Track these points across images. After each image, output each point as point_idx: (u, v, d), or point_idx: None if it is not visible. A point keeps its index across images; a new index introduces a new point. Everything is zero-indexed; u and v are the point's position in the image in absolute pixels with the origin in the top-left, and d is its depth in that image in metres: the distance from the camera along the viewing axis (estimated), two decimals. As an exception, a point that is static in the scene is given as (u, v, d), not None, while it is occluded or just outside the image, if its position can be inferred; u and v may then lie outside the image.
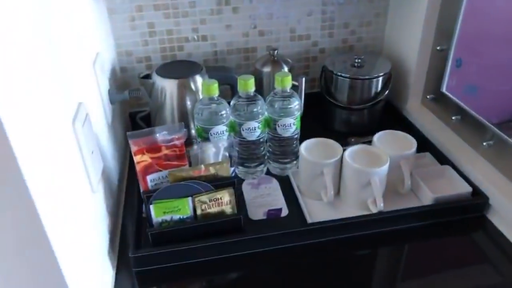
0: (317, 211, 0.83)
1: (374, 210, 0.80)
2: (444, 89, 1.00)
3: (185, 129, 0.76)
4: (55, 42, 0.57)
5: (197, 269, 0.73)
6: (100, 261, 0.68)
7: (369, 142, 0.91)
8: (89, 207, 0.65)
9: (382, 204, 0.79)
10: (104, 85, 0.85)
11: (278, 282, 0.72)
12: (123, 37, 1.04)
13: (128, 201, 0.85)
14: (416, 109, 1.09)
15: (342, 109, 1.07)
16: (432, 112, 1.05)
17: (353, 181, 0.82)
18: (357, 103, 1.05)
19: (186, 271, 0.73)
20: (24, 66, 0.45)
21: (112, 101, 0.87)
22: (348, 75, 1.02)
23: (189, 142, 0.92)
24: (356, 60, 1.05)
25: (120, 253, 0.76)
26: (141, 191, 0.76)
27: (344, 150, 0.84)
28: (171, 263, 0.73)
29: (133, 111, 1.10)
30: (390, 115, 1.12)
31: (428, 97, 1.06)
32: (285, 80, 0.84)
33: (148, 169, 0.74)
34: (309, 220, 0.80)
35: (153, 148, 0.73)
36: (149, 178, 0.75)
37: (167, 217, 0.74)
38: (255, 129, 0.86)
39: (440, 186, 0.85)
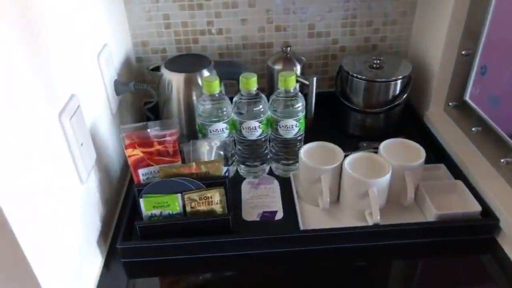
0: (312, 217, 0.80)
1: (370, 222, 0.76)
2: (467, 97, 0.93)
3: (177, 126, 0.75)
4: (41, 36, 0.58)
5: (183, 265, 0.74)
6: (87, 249, 0.70)
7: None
8: (77, 197, 0.66)
9: (378, 217, 0.74)
10: (110, 76, 0.86)
11: (261, 286, 0.71)
12: (138, 27, 1.05)
13: (128, 192, 0.86)
14: (437, 116, 1.02)
15: (356, 112, 1.02)
16: (454, 120, 0.98)
17: (351, 190, 0.78)
18: (372, 106, 1.00)
19: (172, 266, 0.74)
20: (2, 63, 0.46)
21: (117, 93, 0.88)
22: (364, 77, 0.97)
23: (194, 136, 0.92)
24: (375, 61, 0.99)
25: (113, 243, 0.78)
26: (134, 184, 0.77)
27: (346, 156, 0.80)
28: (158, 257, 0.74)
29: (148, 101, 1.12)
30: (409, 121, 1.06)
31: (450, 104, 0.99)
32: (288, 80, 0.81)
33: (139, 163, 0.74)
34: (302, 226, 0.77)
35: (145, 142, 0.73)
36: (140, 172, 0.75)
37: (157, 211, 0.74)
38: (255, 129, 0.84)
39: (447, 202, 0.79)
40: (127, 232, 0.75)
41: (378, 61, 0.99)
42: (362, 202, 0.77)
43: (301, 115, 0.85)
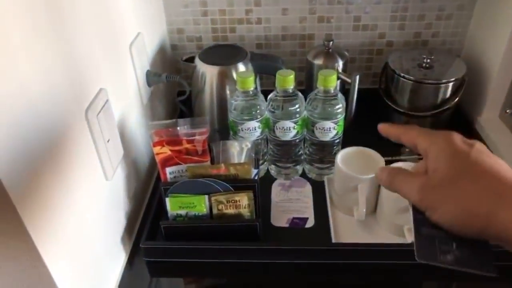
0: (346, 228, 0.75)
1: (409, 240, 0.70)
2: (527, 105, 0.84)
3: (208, 125, 0.72)
4: (69, 26, 0.55)
5: (207, 268, 0.71)
6: (111, 246, 0.68)
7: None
8: (101, 194, 0.64)
9: (420, 234, 0.68)
10: (142, 66, 0.83)
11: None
12: (175, 14, 1.01)
13: (155, 188, 0.84)
14: (491, 123, 0.93)
15: (400, 114, 0.95)
16: (510, 129, 0.89)
17: (390, 203, 0.72)
18: (419, 109, 0.93)
19: (196, 268, 0.71)
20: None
21: (149, 84, 0.85)
22: (411, 77, 0.89)
23: (226, 131, 0.88)
24: (425, 60, 0.91)
25: (137, 241, 0.76)
26: (160, 182, 0.74)
27: (388, 164, 0.74)
28: (182, 258, 0.72)
29: (182, 90, 1.09)
30: (458, 126, 0.97)
31: (508, 111, 0.89)
32: (329, 80, 0.75)
33: (167, 161, 0.71)
34: (334, 238, 0.72)
35: (174, 141, 0.70)
36: (168, 170, 0.72)
37: (182, 212, 0.71)
38: (289, 129, 0.79)
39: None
40: (151, 231, 0.73)
41: (428, 60, 0.91)
42: (402, 216, 0.71)
43: (341, 117, 0.79)
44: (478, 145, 0.36)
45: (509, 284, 0.67)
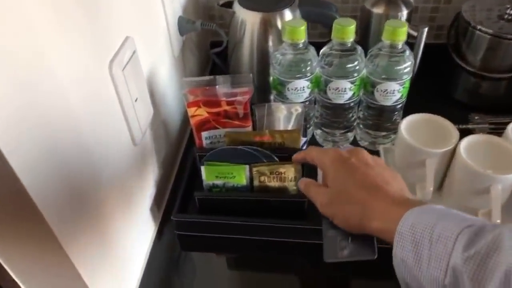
0: (405, 208, 0.65)
1: (484, 227, 0.60)
2: None
3: (251, 84, 0.60)
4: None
5: (245, 245, 0.63)
6: (139, 216, 0.60)
7: (500, 127, 0.67)
8: (127, 159, 0.55)
9: (498, 221, 0.58)
10: (174, 12, 0.71)
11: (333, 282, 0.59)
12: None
13: (186, 153, 0.75)
14: None
15: (470, 75, 0.81)
16: None
17: (464, 183, 0.61)
18: (494, 69, 0.79)
19: (233, 245, 0.63)
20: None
21: (181, 33, 0.73)
22: (490, 31, 0.75)
23: (266, 91, 0.77)
24: (509, 11, 0.76)
25: (167, 211, 0.68)
26: (195, 147, 0.64)
27: (461, 136, 0.62)
28: (217, 233, 0.63)
29: (216, 41, 0.97)
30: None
31: None
32: (398, 33, 0.62)
33: (203, 125, 0.62)
34: (392, 220, 0.62)
35: (211, 101, 0.60)
36: (204, 135, 0.63)
37: (219, 182, 0.62)
38: (345, 90, 0.67)
39: None
40: (183, 202, 0.64)
41: (511, 11, 0.76)
42: (478, 199, 0.60)
43: (407, 78, 0.66)
44: (359, 155, 0.47)
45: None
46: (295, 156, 0.54)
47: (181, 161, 0.76)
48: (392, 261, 0.38)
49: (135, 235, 0.59)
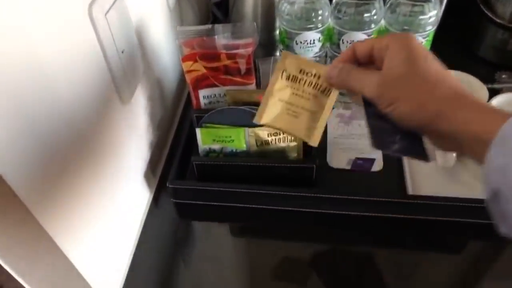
0: (424, 176, 0.59)
1: None
2: None
3: (255, 34, 0.53)
4: None
5: (245, 215, 0.58)
6: (133, 183, 0.55)
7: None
8: (115, 120, 0.49)
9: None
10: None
11: (343, 254, 0.54)
12: None
13: (184, 115, 0.69)
14: None
15: (499, 27, 0.73)
16: None
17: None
18: (527, 22, 0.70)
19: (234, 214, 0.58)
20: None
21: (176, -22, 0.65)
22: (526, -24, 0.66)
23: (272, 47, 0.69)
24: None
25: (163, 176, 0.63)
26: (192, 108, 0.58)
27: (491, 95, 0.55)
28: (216, 202, 0.58)
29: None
30: None
31: None
32: (423, -26, 0.54)
33: (200, 82, 0.55)
34: (410, 190, 0.57)
35: (210, 54, 0.53)
36: (201, 93, 0.56)
37: (217, 146, 0.57)
38: (360, 44, 0.60)
39: None
40: (180, 168, 0.59)
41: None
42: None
43: (430, 29, 0.58)
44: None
45: None
46: (332, 65, 0.40)
47: (178, 124, 0.70)
48: (484, 168, 0.32)
49: (128, 203, 0.54)
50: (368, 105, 0.38)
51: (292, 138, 0.55)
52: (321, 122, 0.42)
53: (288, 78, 0.42)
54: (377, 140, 0.38)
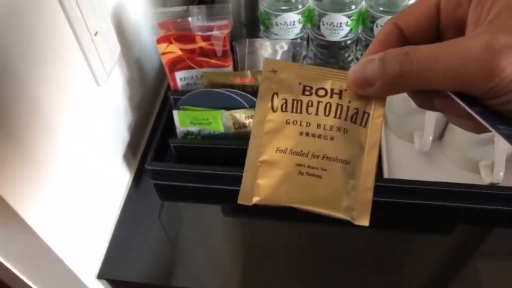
0: (403, 159, 0.60)
1: (486, 180, 0.54)
2: None
3: (230, 15, 0.53)
4: None
5: (224, 196, 0.58)
6: (110, 165, 0.56)
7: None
8: (93, 104, 0.50)
9: (502, 173, 0.52)
10: None
11: (312, 233, 0.55)
12: None
13: (166, 98, 0.69)
14: None
15: None
16: None
17: (467, 132, 0.55)
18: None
19: (213, 196, 0.59)
20: None
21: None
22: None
23: (255, 27, 0.69)
24: None
25: (144, 159, 0.64)
26: (169, 89, 0.58)
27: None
28: (195, 183, 0.59)
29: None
30: None
31: None
32: (403, -45, 0.53)
33: (176, 64, 0.55)
34: (386, 173, 0.57)
35: (184, 36, 0.53)
36: (178, 75, 0.56)
37: (194, 129, 0.57)
38: (340, 26, 0.59)
39: None
40: (160, 150, 0.60)
41: None
42: (481, 150, 0.54)
43: (411, 11, 0.58)
44: None
45: None
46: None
47: (160, 105, 0.70)
48: None
49: (107, 184, 0.55)
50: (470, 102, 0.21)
51: None
52: (365, 178, 0.25)
53: (284, 106, 0.25)
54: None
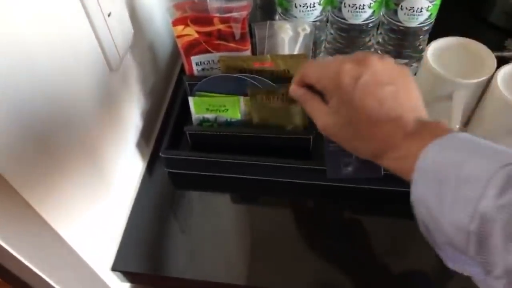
0: (425, 147, 0.57)
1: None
2: None
3: (251, -4, 0.50)
4: None
5: (240, 185, 0.56)
6: (123, 153, 0.54)
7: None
8: (105, 89, 0.47)
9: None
10: None
11: (332, 225, 0.53)
12: None
13: (178, 83, 0.66)
14: None
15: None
16: None
17: (498, 120, 0.52)
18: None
19: (229, 185, 0.57)
20: None
21: None
22: None
23: (270, 10, 0.66)
24: None
25: (158, 146, 0.62)
26: (184, 75, 0.56)
27: (500, 64, 0.52)
28: (211, 172, 0.57)
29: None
30: None
31: None
32: None
33: (192, 48, 0.52)
34: (409, 161, 0.55)
35: (202, 18, 0.50)
36: (194, 59, 0.54)
37: (210, 116, 0.55)
38: (363, 8, 0.56)
39: None
40: (174, 138, 0.57)
41: None
42: (510, 139, 0.52)
43: (438, -7, 0.55)
44: (365, 77, 0.36)
45: None
46: (292, 88, 0.42)
47: (173, 91, 0.68)
48: (410, 199, 0.33)
49: (120, 173, 0.53)
50: None
51: (296, 110, 0.53)
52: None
53: None
54: (331, 167, 0.42)
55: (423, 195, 0.32)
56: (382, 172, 0.40)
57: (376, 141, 0.36)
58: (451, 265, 0.33)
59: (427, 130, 0.34)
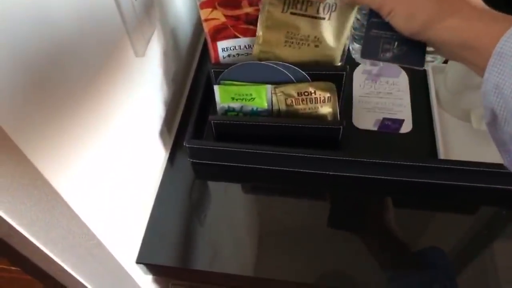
0: (458, 139, 0.55)
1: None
2: None
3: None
4: None
5: (266, 177, 0.55)
6: (149, 140, 0.52)
7: None
8: (128, 74, 0.45)
9: None
10: None
11: (366, 221, 0.51)
12: None
13: (199, 68, 0.64)
14: None
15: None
16: None
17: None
18: None
19: (254, 176, 0.55)
20: None
21: None
22: None
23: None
24: None
25: (180, 135, 0.60)
26: (209, 62, 0.54)
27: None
28: (235, 163, 0.56)
29: None
30: None
31: None
32: None
33: (219, 32, 0.50)
34: (442, 154, 0.53)
35: (230, 1, 0.48)
36: (220, 45, 0.51)
37: (236, 105, 0.53)
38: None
39: None
40: (197, 126, 0.56)
41: None
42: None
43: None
44: None
45: None
46: None
47: (193, 78, 0.66)
48: (481, 87, 0.31)
49: (144, 162, 0.51)
50: (374, 16, 0.38)
51: (326, 97, 0.51)
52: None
53: None
54: (368, 49, 0.39)
55: (500, 82, 0.30)
56: (424, 64, 0.38)
57: (437, 3, 0.34)
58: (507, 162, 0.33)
59: (502, 17, 0.32)
